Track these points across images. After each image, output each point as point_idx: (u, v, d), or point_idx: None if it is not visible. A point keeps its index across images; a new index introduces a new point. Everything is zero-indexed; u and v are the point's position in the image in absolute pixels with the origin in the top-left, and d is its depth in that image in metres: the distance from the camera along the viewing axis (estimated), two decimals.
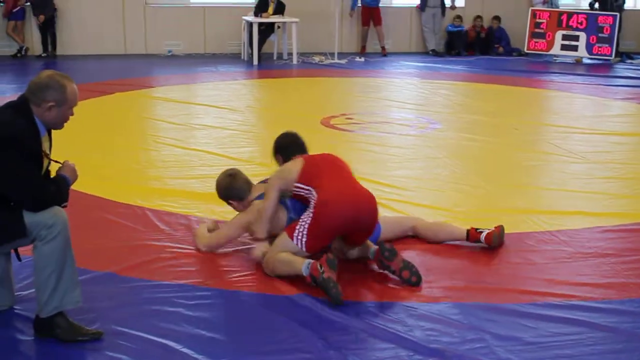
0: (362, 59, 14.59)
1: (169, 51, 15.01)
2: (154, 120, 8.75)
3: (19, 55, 14.25)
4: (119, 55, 14.71)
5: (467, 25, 16.04)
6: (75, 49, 14.60)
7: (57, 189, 3.52)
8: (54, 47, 14.32)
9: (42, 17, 14.01)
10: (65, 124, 3.63)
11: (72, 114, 3.60)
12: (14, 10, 14.11)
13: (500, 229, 4.69)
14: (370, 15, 15.42)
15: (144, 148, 7.28)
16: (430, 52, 15.70)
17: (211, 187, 5.83)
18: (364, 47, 15.69)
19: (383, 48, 15.63)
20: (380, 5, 15.49)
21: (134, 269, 4.31)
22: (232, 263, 4.43)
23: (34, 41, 14.47)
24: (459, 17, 15.95)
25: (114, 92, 10.38)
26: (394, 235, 4.73)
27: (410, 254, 4.51)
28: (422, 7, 15.70)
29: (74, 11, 14.60)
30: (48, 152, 3.60)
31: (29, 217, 3.38)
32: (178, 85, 11.27)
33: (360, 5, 15.51)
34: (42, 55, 14.26)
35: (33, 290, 3.59)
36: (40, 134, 3.49)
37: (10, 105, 3.52)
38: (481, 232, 4.67)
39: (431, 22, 15.74)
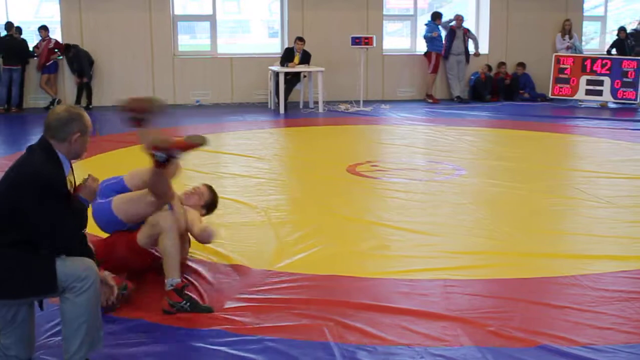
0: (387, 107, 14.73)
1: (197, 101, 15.27)
2: (182, 169, 8.86)
3: (51, 107, 14.55)
4: None
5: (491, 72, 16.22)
6: (105, 100, 14.91)
7: (80, 223, 3.63)
8: (90, 101, 14.66)
9: (78, 81, 14.42)
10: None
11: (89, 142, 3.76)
12: (47, 63, 14.49)
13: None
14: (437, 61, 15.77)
15: None
16: (455, 99, 15.82)
17: (237, 235, 5.97)
18: (429, 95, 15.90)
19: (432, 95, 15.88)
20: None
21: (162, 316, 4.38)
22: (251, 306, 4.49)
23: (67, 93, 14.80)
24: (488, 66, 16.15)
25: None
26: None
27: (435, 291, 4.57)
28: (446, 54, 15.87)
29: (105, 63, 14.95)
30: (73, 182, 3.71)
31: (61, 268, 3.47)
32: (206, 134, 11.41)
33: (428, 51, 15.82)
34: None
35: (50, 338, 3.66)
36: (65, 173, 3.61)
37: (34, 149, 3.62)
38: None
39: (455, 69, 15.91)
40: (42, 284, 3.48)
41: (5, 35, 14.32)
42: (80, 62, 14.45)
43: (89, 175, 3.77)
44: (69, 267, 3.49)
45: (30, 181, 3.44)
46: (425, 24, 15.92)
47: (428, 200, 7.28)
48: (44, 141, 3.60)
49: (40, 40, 14.60)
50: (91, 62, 14.64)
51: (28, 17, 16.78)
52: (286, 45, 15.15)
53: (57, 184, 3.51)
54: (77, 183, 3.73)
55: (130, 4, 14.89)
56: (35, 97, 14.85)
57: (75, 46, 14.48)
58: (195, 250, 5.54)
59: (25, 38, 14.60)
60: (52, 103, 14.59)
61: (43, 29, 14.55)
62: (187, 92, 15.37)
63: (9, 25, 14.33)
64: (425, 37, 15.83)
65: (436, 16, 15.78)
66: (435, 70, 15.82)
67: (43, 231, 3.46)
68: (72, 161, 3.74)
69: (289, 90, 14.34)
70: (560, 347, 3.95)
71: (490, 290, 4.80)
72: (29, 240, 3.47)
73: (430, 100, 15.72)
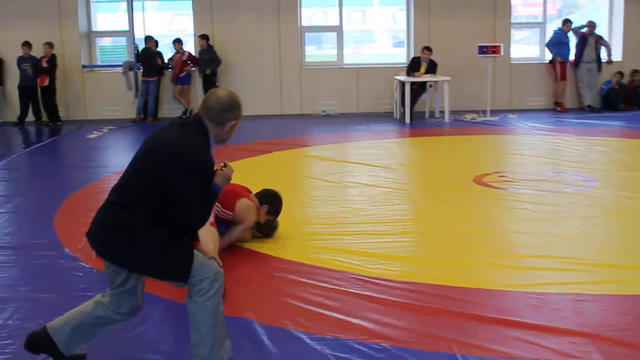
0: (515, 116, 14.47)
1: (324, 111, 15.48)
2: (309, 178, 9.03)
3: (184, 116, 15.12)
4: (275, 115, 15.32)
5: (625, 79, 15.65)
6: None
7: (211, 207, 3.69)
8: None
9: (208, 70, 14.79)
10: None
11: None
12: (181, 75, 15.06)
13: None
14: (563, 70, 15.45)
15: (300, 205, 7.53)
16: (586, 108, 15.36)
17: (365, 243, 6.01)
18: (558, 103, 15.60)
19: (561, 104, 15.51)
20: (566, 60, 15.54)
21: (292, 321, 4.47)
22: (378, 316, 4.52)
23: (198, 103, 15.29)
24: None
25: (272, 150, 10.83)
26: None
27: (565, 305, 4.47)
28: (576, 62, 15.45)
29: (235, 74, 15.39)
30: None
31: (196, 263, 3.57)
32: (332, 144, 11.59)
33: (553, 59, 15.54)
34: None
35: None
36: (211, 151, 3.69)
37: (189, 126, 3.65)
38: None
39: (587, 77, 15.44)
40: (178, 271, 3.57)
41: (144, 49, 14.99)
42: (212, 54, 14.83)
43: (226, 163, 3.85)
44: (202, 264, 3.58)
45: (189, 160, 3.48)
46: (554, 31, 15.57)
47: (558, 212, 7.10)
48: (201, 121, 3.65)
49: (175, 53, 15.19)
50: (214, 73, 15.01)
51: (162, 31, 17.46)
52: (412, 55, 15.15)
53: (210, 167, 3.60)
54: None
55: (260, 17, 15.28)
56: (169, 107, 15.47)
57: (211, 46, 14.91)
58: (319, 256, 5.63)
59: (160, 51, 15.24)
60: (184, 113, 15.14)
61: (177, 42, 15.15)
62: (313, 102, 15.61)
63: (147, 39, 14.98)
64: (547, 45, 15.51)
65: (565, 22, 15.39)
66: (562, 77, 15.42)
67: (182, 210, 3.51)
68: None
69: (414, 100, 14.31)
70: None
71: (625, 306, 4.65)
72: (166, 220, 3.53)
73: (559, 109, 15.34)
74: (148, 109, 15.04)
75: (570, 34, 15.44)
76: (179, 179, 3.46)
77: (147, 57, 14.93)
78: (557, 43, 15.39)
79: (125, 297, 3.71)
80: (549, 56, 15.74)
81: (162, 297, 4.77)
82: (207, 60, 14.79)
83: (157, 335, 4.34)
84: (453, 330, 4.28)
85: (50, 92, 14.72)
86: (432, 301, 4.76)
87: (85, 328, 3.77)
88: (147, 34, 15.32)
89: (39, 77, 14.67)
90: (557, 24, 15.87)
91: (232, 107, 3.66)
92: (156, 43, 15.10)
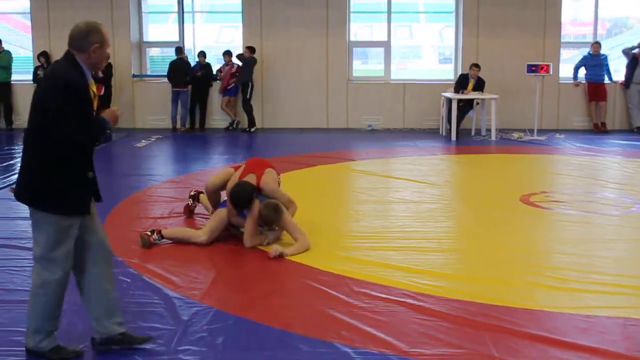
0: (562, 136, 14.34)
1: (370, 126, 15.50)
2: (353, 193, 9.05)
3: (230, 128, 15.26)
4: (321, 129, 15.37)
5: None
6: (280, 122, 15.47)
7: (95, 129, 3.98)
8: (253, 123, 15.12)
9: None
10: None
11: (108, 56, 4.08)
12: (229, 87, 15.20)
13: None
14: (595, 91, 15.26)
15: (345, 219, 7.55)
16: (635, 130, 15.14)
17: (410, 259, 6.00)
18: (596, 125, 15.39)
19: (603, 124, 15.31)
20: (605, 82, 15.33)
21: (337, 334, 4.48)
22: (422, 332, 4.51)
23: (245, 116, 15.41)
24: None
25: (317, 164, 10.87)
26: None
27: (614, 329, 4.41)
28: (626, 83, 15.25)
29: (282, 87, 15.50)
30: (95, 92, 4.08)
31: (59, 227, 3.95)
32: (377, 159, 11.59)
33: (585, 81, 15.39)
34: (250, 129, 15.14)
35: None
36: (87, 80, 3.96)
37: (60, 60, 3.98)
38: None
39: (637, 98, 15.23)
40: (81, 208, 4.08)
41: (174, 59, 15.09)
42: (245, 66, 14.97)
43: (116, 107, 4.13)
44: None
45: (57, 84, 3.81)
46: (583, 55, 15.41)
47: (605, 234, 7.03)
48: (68, 53, 3.95)
49: (224, 65, 15.35)
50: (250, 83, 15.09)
51: (210, 42, 17.70)
52: (459, 72, 15.12)
53: (80, 87, 3.86)
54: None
55: (309, 31, 15.38)
56: (217, 119, 15.62)
57: (253, 58, 15.02)
58: (364, 271, 5.64)
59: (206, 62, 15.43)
60: (231, 124, 15.28)
61: (227, 54, 15.30)
62: (359, 117, 15.64)
63: (178, 50, 15.13)
64: (575, 68, 15.38)
65: (594, 45, 15.21)
66: (591, 98, 15.26)
67: (57, 127, 3.76)
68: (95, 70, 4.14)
69: (461, 117, 14.25)
70: None
71: None
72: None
73: (595, 130, 15.17)
74: (180, 119, 15.19)
75: (614, 55, 15.24)
76: (48, 96, 3.80)
77: (177, 68, 15.04)
78: (585, 65, 15.25)
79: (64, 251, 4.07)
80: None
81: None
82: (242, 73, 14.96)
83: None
84: (498, 348, 4.26)
85: (106, 100, 14.96)
86: (477, 319, 4.74)
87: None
88: (178, 45, 15.52)
89: (96, 86, 14.90)
90: (606, 44, 15.68)
91: (90, 31, 3.94)
92: (202, 54, 15.24)
